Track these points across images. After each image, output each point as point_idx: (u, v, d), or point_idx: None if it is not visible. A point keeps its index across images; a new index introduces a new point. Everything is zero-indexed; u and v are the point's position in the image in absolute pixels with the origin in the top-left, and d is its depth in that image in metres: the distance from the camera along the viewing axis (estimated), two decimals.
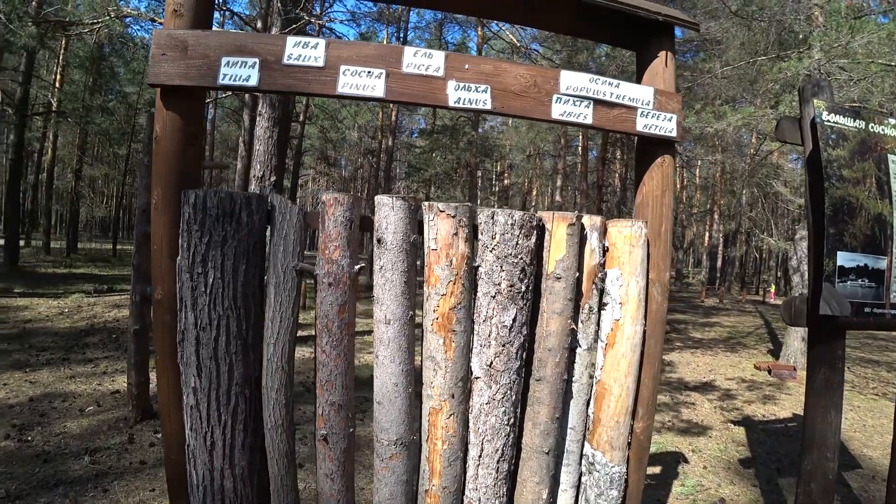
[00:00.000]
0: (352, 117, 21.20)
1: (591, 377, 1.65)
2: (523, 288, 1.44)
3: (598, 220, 1.59)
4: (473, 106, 1.45)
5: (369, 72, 1.41)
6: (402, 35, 19.80)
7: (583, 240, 1.56)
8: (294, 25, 7.57)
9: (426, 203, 1.43)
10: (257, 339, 1.45)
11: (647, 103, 1.62)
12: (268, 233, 1.45)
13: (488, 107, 1.45)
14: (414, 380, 1.48)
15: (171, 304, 1.42)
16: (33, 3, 10.43)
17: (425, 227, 1.44)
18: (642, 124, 1.62)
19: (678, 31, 1.82)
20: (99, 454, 3.37)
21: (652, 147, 1.71)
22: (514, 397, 1.48)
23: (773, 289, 22.19)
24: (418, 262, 1.49)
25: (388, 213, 1.40)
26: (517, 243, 1.41)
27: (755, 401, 5.77)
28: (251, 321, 1.43)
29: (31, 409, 4.05)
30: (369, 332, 2.25)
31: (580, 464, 1.67)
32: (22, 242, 16.81)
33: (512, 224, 1.41)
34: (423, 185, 19.66)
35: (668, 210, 1.71)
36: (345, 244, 1.40)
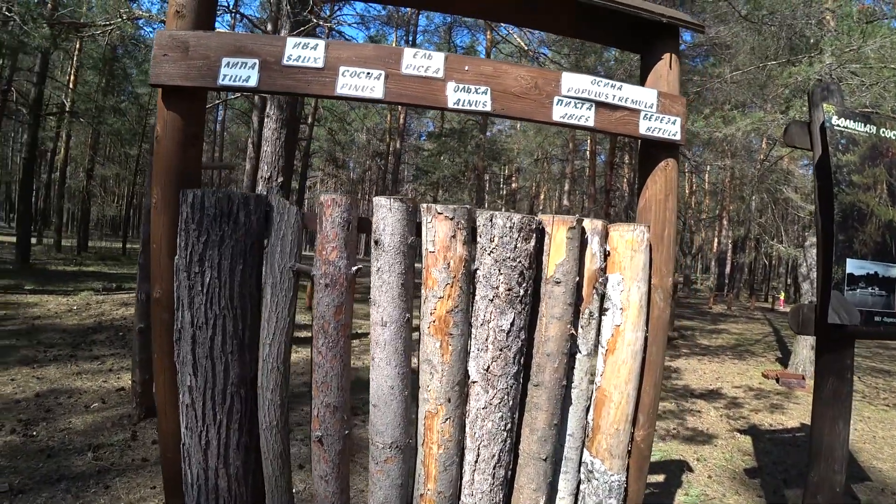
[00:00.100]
0: (360, 120, 21.29)
1: (591, 383, 1.63)
2: (522, 292, 1.42)
3: (599, 223, 1.56)
4: (473, 107, 1.44)
5: (368, 73, 1.40)
6: (411, 38, 19.90)
7: (584, 244, 1.54)
8: (303, 28, 7.62)
9: (424, 205, 1.42)
10: (254, 339, 1.44)
11: (650, 106, 1.60)
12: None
13: (488, 108, 1.44)
14: (410, 383, 1.47)
15: (170, 302, 1.42)
16: (48, 5, 10.62)
17: (423, 229, 1.43)
18: (645, 127, 1.60)
19: (687, 36, 1.81)
20: (102, 451, 3.39)
21: (655, 150, 1.68)
22: (511, 402, 1.46)
23: (782, 296, 21.88)
24: (418, 265, 1.48)
25: (386, 215, 1.39)
26: (515, 246, 1.40)
27: (762, 409, 5.68)
28: (248, 321, 1.43)
29: (37, 404, 4.09)
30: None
31: (579, 471, 1.64)
32: (34, 240, 17.06)
33: (510, 227, 1.40)
34: (431, 187, 19.69)
35: (672, 214, 1.69)
36: (342, 245, 1.40)
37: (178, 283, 1.37)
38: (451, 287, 1.39)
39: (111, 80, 17.06)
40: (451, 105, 1.43)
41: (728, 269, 24.44)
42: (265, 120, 7.73)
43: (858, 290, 1.98)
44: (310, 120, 16.87)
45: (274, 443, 1.44)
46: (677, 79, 1.67)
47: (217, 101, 14.37)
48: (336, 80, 1.40)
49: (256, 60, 1.41)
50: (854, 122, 2.06)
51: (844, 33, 4.92)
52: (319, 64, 1.40)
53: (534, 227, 1.43)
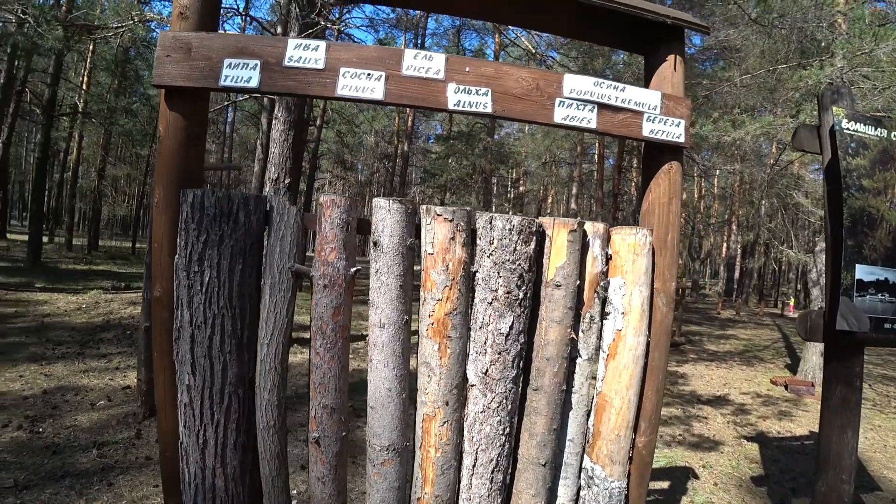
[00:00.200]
0: (368, 122, 21.37)
1: (592, 388, 1.61)
2: (521, 295, 1.41)
3: (601, 227, 1.55)
4: (474, 109, 1.43)
5: (369, 74, 1.40)
6: (419, 41, 19.95)
7: (585, 247, 1.53)
8: (312, 30, 7.66)
9: (424, 206, 1.42)
10: (252, 339, 1.44)
11: (653, 108, 1.58)
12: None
13: (489, 110, 1.43)
14: (408, 385, 1.46)
15: (170, 301, 1.43)
16: (62, 8, 10.79)
17: (423, 230, 1.42)
18: (649, 129, 1.58)
19: (696, 39, 1.79)
20: (106, 448, 3.42)
21: (659, 153, 1.67)
22: (510, 406, 1.45)
23: (791, 302, 21.54)
24: (417, 267, 1.47)
25: (385, 216, 1.39)
26: (515, 249, 1.39)
27: (770, 416, 5.59)
28: (246, 321, 1.43)
29: (45, 401, 4.14)
30: None
31: (579, 477, 1.62)
32: (45, 239, 17.30)
33: (510, 229, 1.38)
34: (439, 190, 19.69)
35: (676, 218, 1.66)
36: (341, 246, 1.39)
37: (177, 282, 1.38)
38: (450, 289, 1.38)
39: (123, 81, 17.30)
40: (451, 106, 1.43)
41: (737, 275, 24.16)
42: (273, 122, 7.77)
43: (868, 297, 1.95)
44: (318, 122, 16.95)
45: (271, 443, 1.44)
46: (682, 81, 1.65)
47: (227, 103, 14.50)
48: (336, 80, 1.40)
49: (258, 61, 1.41)
50: (865, 125, 2.03)
51: (856, 36, 4.85)
52: (320, 65, 1.40)
53: (534, 229, 1.42)
